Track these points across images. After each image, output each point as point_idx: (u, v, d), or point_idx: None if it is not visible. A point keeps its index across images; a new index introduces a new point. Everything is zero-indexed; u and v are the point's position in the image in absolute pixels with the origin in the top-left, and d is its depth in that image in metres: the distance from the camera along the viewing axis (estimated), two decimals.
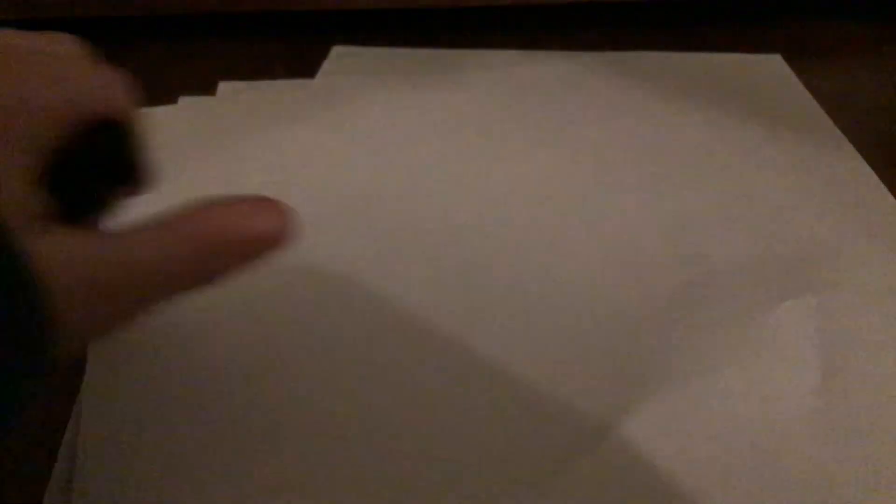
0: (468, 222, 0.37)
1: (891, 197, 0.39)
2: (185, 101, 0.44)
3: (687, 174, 0.40)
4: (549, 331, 0.31)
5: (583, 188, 0.39)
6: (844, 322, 0.32)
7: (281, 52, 0.50)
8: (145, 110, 0.43)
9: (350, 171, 0.40)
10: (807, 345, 0.31)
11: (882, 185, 0.40)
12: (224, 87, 0.46)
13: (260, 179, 0.39)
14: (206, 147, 0.41)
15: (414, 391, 0.28)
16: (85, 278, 0.19)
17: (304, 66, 0.49)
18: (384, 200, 0.38)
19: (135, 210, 0.28)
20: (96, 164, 0.24)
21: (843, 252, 0.36)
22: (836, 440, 0.28)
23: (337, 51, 0.50)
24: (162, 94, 0.44)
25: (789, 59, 0.51)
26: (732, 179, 0.40)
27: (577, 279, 0.34)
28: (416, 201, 0.38)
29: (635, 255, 0.35)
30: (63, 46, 0.24)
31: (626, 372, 0.30)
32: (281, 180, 0.38)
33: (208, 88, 0.45)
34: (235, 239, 0.23)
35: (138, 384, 0.29)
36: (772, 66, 0.50)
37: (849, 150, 0.42)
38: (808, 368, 0.30)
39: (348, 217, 0.37)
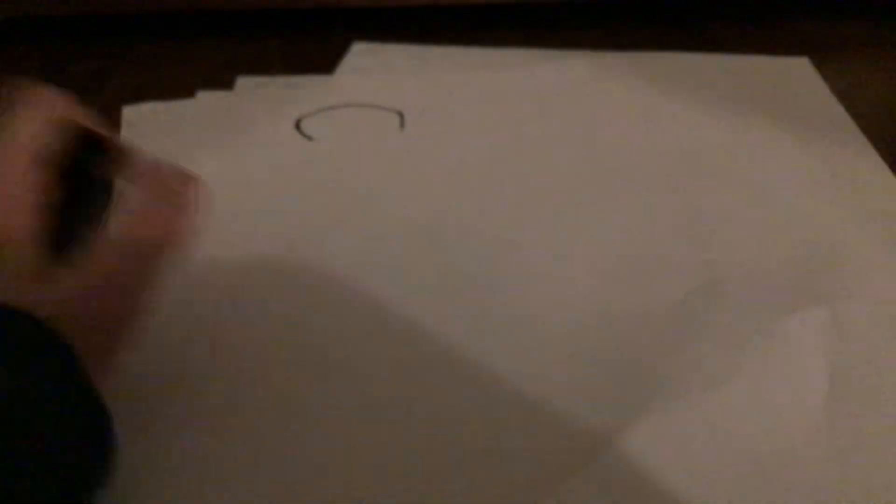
0: (473, 224, 0.36)
1: None
2: (202, 96, 0.44)
3: (703, 177, 0.39)
4: (551, 339, 0.30)
5: (592, 192, 0.38)
6: (857, 335, 0.31)
7: (279, 49, 0.50)
8: (161, 104, 0.43)
9: (363, 168, 0.39)
10: (816, 359, 0.30)
11: None
12: (242, 81, 0.46)
13: (274, 172, 0.38)
14: (224, 139, 0.41)
15: (411, 400, 0.28)
16: (86, 310, 0.22)
17: (302, 63, 0.48)
18: (394, 198, 0.37)
19: None
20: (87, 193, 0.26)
21: (862, 261, 0.35)
22: (841, 459, 0.27)
23: (357, 47, 0.50)
24: (161, 91, 0.44)
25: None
26: (750, 183, 0.39)
27: (583, 284, 0.33)
28: (426, 201, 0.37)
29: (643, 260, 0.34)
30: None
31: (628, 384, 0.29)
32: (294, 175, 0.38)
33: (207, 86, 0.45)
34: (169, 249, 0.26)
35: (126, 384, 0.28)
36: (797, 69, 0.49)
37: (875, 159, 0.41)
38: (816, 384, 0.29)
39: (358, 214, 0.36)
